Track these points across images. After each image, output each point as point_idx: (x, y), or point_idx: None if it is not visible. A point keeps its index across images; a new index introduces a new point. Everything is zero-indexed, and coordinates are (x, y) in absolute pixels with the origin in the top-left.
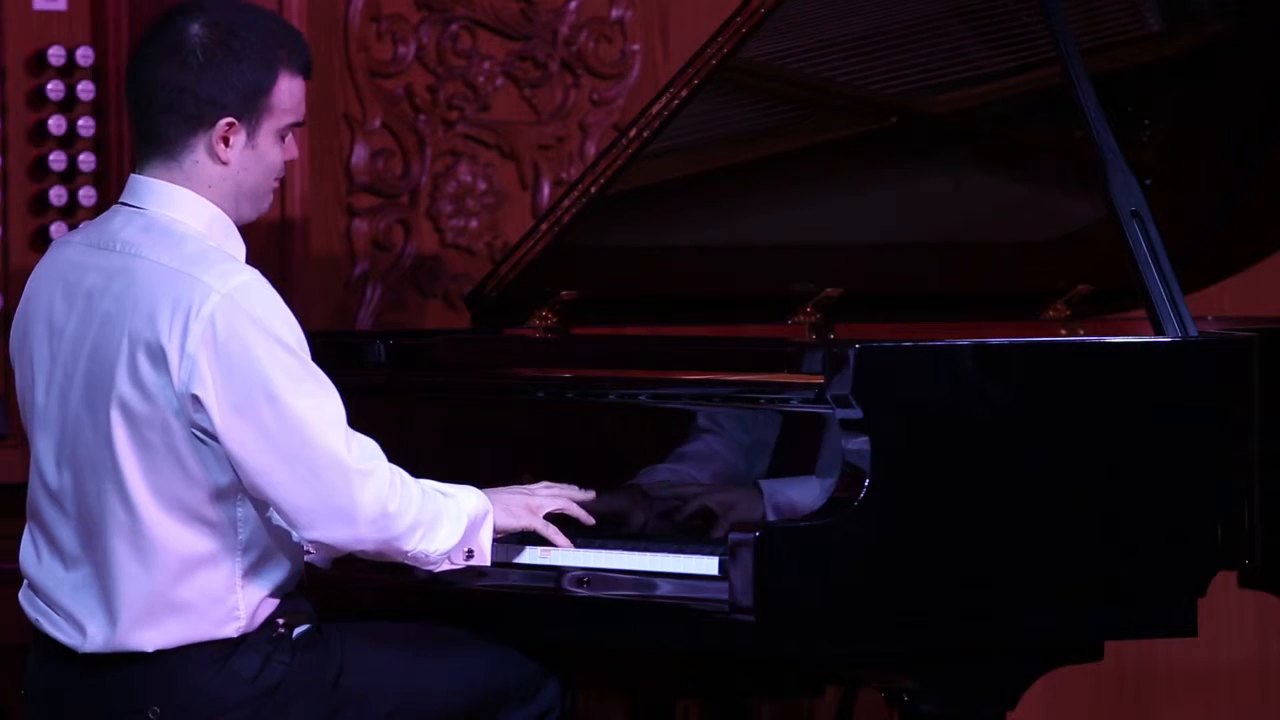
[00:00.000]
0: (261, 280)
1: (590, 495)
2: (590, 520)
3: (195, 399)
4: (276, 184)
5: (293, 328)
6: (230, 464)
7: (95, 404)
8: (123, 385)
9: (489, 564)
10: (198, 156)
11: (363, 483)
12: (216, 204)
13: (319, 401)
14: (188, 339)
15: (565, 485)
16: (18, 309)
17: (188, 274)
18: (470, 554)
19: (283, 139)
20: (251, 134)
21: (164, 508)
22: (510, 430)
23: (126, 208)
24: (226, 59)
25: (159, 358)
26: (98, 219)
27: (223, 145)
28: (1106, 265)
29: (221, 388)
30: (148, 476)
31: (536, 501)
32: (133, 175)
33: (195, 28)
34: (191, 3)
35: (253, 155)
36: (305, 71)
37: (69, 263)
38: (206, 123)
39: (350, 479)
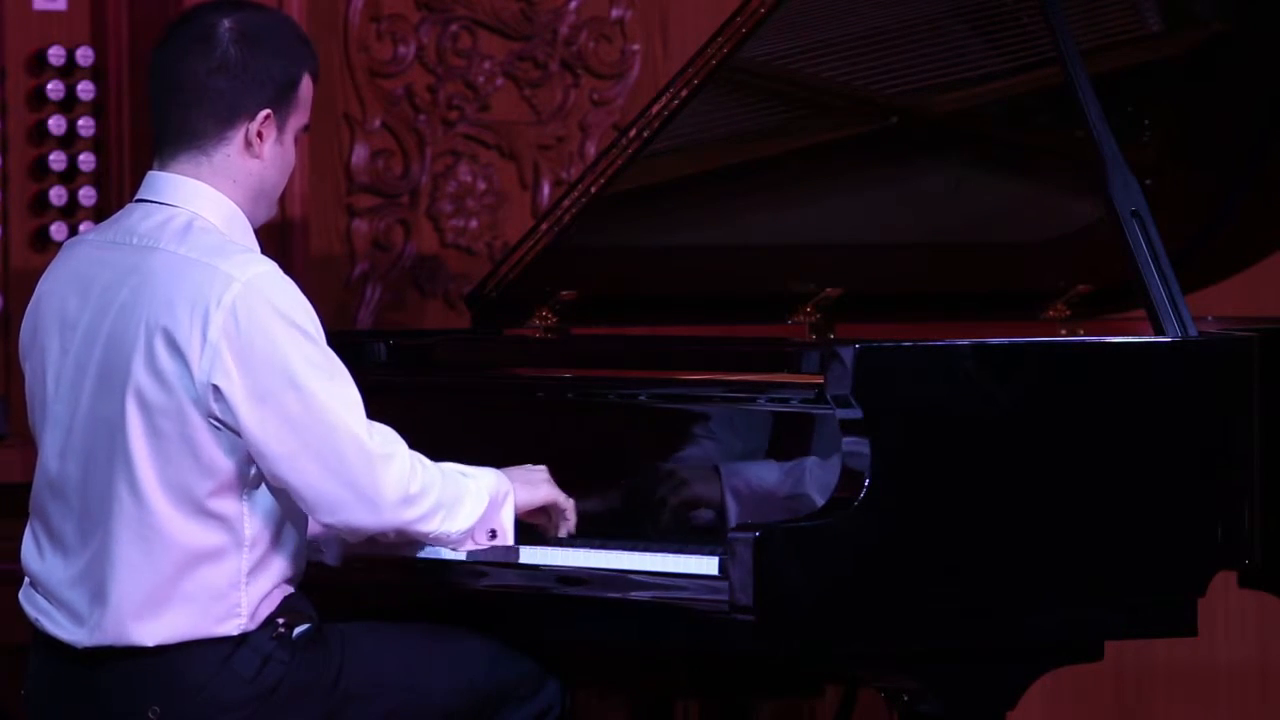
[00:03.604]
0: (279, 271)
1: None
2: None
3: (216, 389)
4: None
5: (311, 316)
6: (246, 456)
7: (110, 394)
8: (139, 374)
9: (513, 543)
10: (230, 150)
11: (385, 466)
12: (237, 201)
13: (340, 387)
14: (209, 328)
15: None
16: (28, 309)
17: (207, 263)
18: (494, 534)
19: (296, 140)
20: (281, 129)
21: (172, 500)
22: (510, 430)
23: (144, 203)
24: (264, 52)
25: (178, 346)
26: (112, 217)
27: (258, 138)
28: (1106, 265)
29: (244, 377)
30: (158, 467)
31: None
32: (151, 172)
33: (227, 23)
34: (212, 2)
35: (279, 151)
36: (316, 73)
37: (84, 259)
38: (247, 115)
39: (373, 463)
